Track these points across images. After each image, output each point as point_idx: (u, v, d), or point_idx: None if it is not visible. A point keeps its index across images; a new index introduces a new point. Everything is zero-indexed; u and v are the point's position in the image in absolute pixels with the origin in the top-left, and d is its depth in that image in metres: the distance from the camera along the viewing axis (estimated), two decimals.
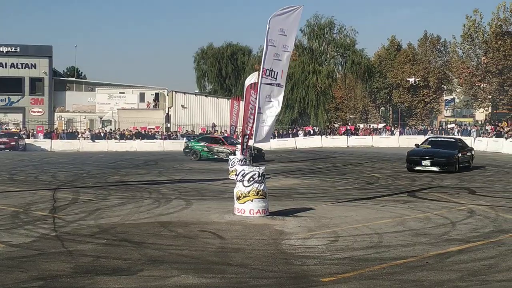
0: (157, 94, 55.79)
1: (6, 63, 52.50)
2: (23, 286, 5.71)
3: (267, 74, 10.34)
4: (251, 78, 17.77)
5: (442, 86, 58.88)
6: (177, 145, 41.77)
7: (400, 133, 44.56)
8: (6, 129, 45.32)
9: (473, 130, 40.83)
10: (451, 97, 61.56)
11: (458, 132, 41.90)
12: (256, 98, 14.42)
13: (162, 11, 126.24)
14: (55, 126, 49.39)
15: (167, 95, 54.96)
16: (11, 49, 52.71)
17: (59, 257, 6.97)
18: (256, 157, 27.64)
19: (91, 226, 9.17)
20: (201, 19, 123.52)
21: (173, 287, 5.73)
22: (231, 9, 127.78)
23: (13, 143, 37.68)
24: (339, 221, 9.54)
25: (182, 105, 52.40)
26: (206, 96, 57.06)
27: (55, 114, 53.66)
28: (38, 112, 53.10)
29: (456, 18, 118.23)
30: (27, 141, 40.55)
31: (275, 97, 10.58)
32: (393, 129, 47.87)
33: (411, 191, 14.09)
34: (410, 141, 34.51)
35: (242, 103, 22.60)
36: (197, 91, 65.51)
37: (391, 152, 32.76)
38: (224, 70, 67.98)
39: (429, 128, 47.08)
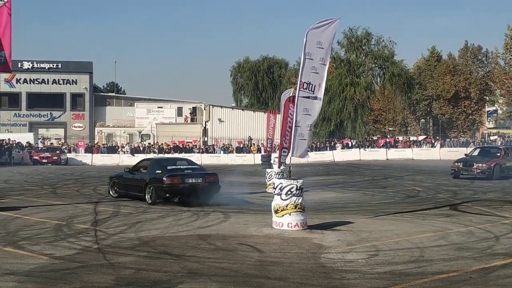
0: (194, 108, 56.52)
1: (48, 79, 54.24)
2: None
3: (304, 87, 10.35)
4: (289, 92, 17.79)
5: (484, 97, 57.38)
6: (215, 159, 42.16)
7: (441, 146, 43.61)
8: (51, 143, 46.70)
9: None
10: (494, 108, 59.92)
11: (501, 144, 40.66)
12: (294, 112, 14.43)
13: (198, 26, 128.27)
14: (96, 141, 50.60)
15: (204, 109, 55.59)
16: (53, 65, 54.43)
17: (101, 269, 7.09)
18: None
19: (131, 238, 9.31)
20: (237, 34, 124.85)
21: None
22: (267, 23, 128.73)
23: (55, 157, 38.76)
24: (379, 235, 9.39)
25: (219, 119, 52.89)
26: (242, 109, 57.38)
27: (96, 129, 55.06)
28: (79, 127, 54.54)
29: (498, 27, 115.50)
30: (68, 155, 41.60)
31: (313, 110, 10.56)
32: (433, 141, 46.87)
33: (453, 204, 13.73)
34: (451, 153, 33.71)
35: (278, 116, 22.61)
36: (233, 104, 66.00)
37: (432, 165, 32.08)
38: (260, 84, 68.29)
39: (471, 140, 45.91)
